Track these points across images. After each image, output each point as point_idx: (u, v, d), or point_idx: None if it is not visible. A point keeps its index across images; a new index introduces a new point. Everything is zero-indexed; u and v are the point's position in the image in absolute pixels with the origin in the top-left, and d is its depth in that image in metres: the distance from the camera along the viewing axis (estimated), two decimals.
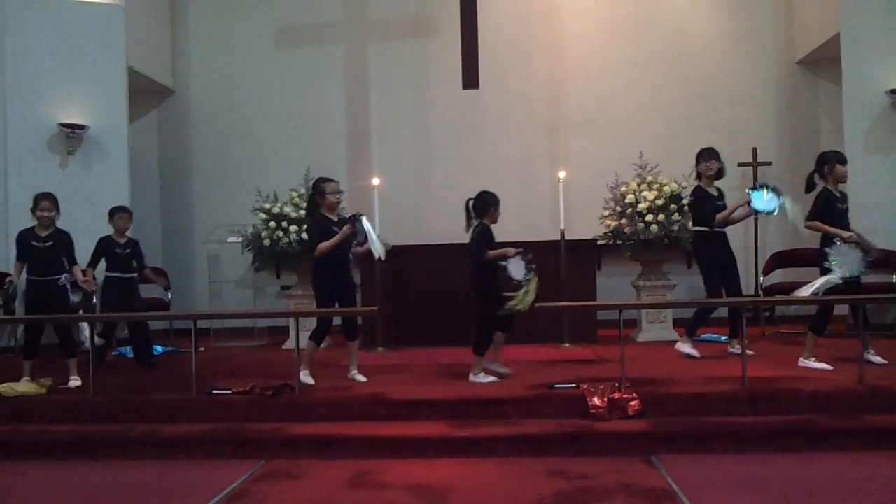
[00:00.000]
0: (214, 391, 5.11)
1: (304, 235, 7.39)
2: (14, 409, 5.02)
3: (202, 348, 7.20)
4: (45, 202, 5.83)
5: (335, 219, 5.58)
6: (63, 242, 5.92)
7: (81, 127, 7.93)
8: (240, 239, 7.98)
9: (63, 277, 5.81)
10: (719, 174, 6.21)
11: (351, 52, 9.46)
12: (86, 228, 8.03)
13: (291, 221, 7.54)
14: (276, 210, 7.64)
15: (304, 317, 6.80)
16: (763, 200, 5.90)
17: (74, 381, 5.68)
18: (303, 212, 7.51)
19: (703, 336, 7.21)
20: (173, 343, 7.83)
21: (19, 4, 7.86)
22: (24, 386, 5.32)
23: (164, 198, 9.64)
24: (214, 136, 9.50)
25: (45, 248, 5.79)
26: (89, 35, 8.05)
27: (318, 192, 5.52)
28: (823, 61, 8.64)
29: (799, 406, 4.56)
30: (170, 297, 8.31)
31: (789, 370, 5.33)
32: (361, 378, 5.52)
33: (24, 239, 5.85)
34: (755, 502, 3.49)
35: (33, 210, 5.85)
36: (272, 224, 7.55)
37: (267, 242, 7.57)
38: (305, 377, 5.35)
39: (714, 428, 4.42)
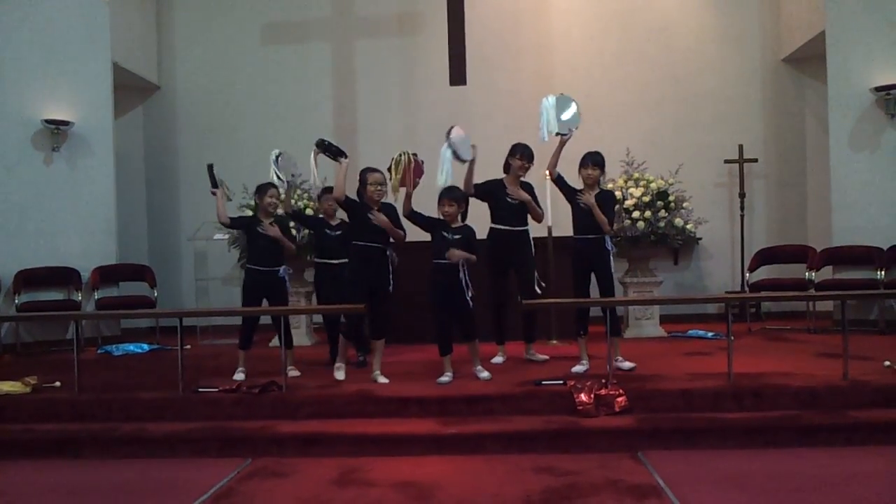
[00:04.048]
0: (200, 389, 5.08)
1: (293, 232, 7.37)
2: None
3: (188, 346, 7.15)
4: (274, 189, 5.72)
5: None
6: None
7: (66, 123, 7.87)
8: (226, 236, 7.93)
9: (282, 269, 5.78)
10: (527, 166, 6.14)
11: (338, 49, 9.43)
12: (71, 225, 8.03)
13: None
14: None
15: (291, 314, 6.77)
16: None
17: (293, 372, 5.65)
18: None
19: (690, 332, 7.27)
20: (159, 341, 7.79)
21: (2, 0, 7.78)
22: (9, 385, 5.25)
23: (149, 194, 9.59)
24: (200, 133, 9.45)
25: (269, 236, 5.73)
26: (74, 30, 7.99)
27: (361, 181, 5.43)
28: (809, 59, 8.69)
29: (784, 402, 4.59)
30: (156, 294, 8.26)
31: (775, 366, 5.36)
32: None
33: (250, 224, 5.79)
34: (741, 497, 3.51)
35: (260, 197, 5.75)
36: None
37: None
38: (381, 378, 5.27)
39: (700, 424, 4.44)
